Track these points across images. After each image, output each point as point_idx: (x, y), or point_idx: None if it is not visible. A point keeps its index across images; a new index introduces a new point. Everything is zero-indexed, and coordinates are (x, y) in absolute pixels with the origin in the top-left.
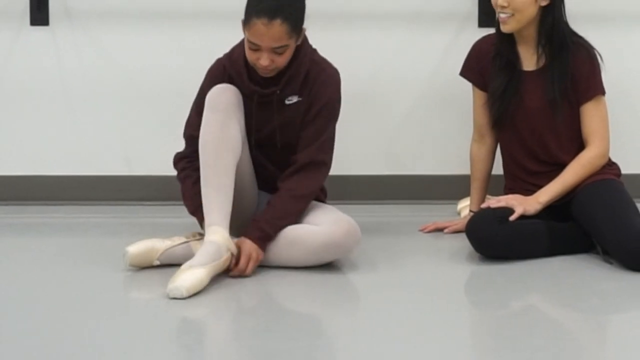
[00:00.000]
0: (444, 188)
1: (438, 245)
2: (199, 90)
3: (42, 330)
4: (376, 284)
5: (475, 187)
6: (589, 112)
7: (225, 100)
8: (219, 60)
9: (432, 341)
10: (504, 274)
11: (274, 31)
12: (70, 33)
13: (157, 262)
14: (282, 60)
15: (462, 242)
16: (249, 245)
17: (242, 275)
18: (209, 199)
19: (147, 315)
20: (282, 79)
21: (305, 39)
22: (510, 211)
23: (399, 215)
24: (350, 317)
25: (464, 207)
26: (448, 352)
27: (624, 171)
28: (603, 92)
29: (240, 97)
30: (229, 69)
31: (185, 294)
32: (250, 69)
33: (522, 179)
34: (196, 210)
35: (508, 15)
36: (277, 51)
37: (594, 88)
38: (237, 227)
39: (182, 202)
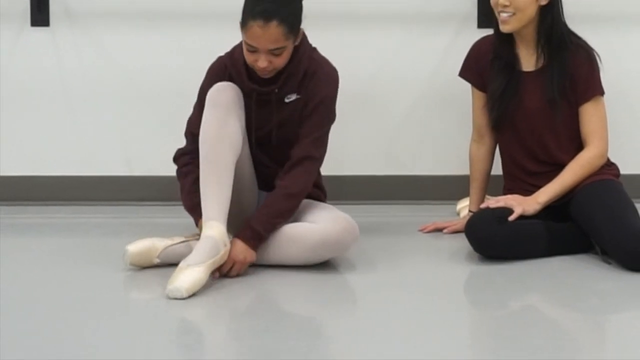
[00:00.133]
0: (443, 188)
1: (437, 245)
2: (200, 88)
3: (43, 330)
4: (376, 284)
5: (475, 187)
6: (588, 113)
7: (226, 98)
8: (220, 58)
9: (431, 341)
10: (503, 274)
11: (270, 33)
12: (70, 34)
13: (157, 261)
14: (280, 62)
15: (462, 242)
16: (238, 248)
17: (226, 276)
18: (207, 193)
19: (147, 315)
20: (280, 77)
21: (305, 38)
22: (510, 211)
23: (399, 215)
24: (350, 317)
25: (463, 207)
26: (447, 352)
27: (622, 171)
28: (602, 93)
29: (241, 95)
30: (229, 67)
31: (185, 295)
32: (249, 68)
33: (521, 179)
34: (193, 208)
35: (509, 14)
36: (274, 53)
37: (592, 88)
38: (237, 226)
39: (182, 203)
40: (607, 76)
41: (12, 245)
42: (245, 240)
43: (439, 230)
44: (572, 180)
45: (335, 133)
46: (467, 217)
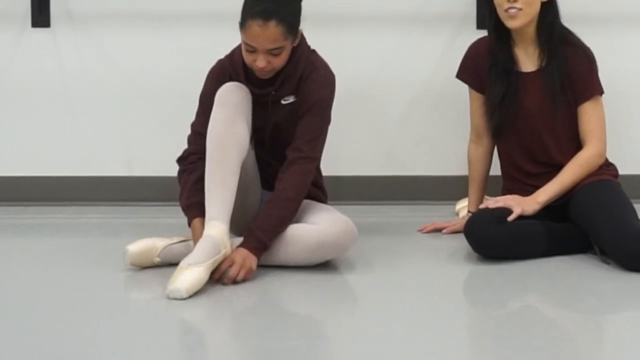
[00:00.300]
0: (442, 189)
1: (437, 245)
2: (201, 93)
3: (43, 330)
4: (375, 284)
5: (473, 187)
6: (587, 112)
7: (235, 98)
8: (220, 61)
9: (430, 341)
10: (502, 274)
11: (269, 33)
12: (71, 35)
13: (158, 260)
14: (278, 62)
15: (461, 243)
16: (244, 255)
17: (231, 280)
18: (212, 192)
19: (147, 315)
20: (277, 79)
21: (303, 40)
22: (509, 211)
23: (398, 215)
24: (349, 317)
25: (463, 207)
26: (446, 352)
27: (621, 172)
28: (601, 92)
29: (249, 96)
30: (229, 69)
31: (185, 295)
32: (247, 70)
33: (519, 180)
34: (189, 206)
35: (517, 10)
36: (273, 53)
37: (591, 88)
38: (240, 226)
39: (179, 201)
40: (605, 76)
41: (12, 246)
42: (251, 249)
43: (438, 230)
44: (570, 180)
45: (335, 133)
46: (466, 218)
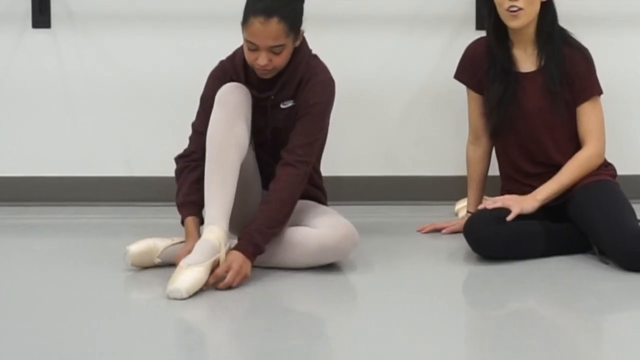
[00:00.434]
0: (441, 189)
1: (436, 245)
2: (203, 92)
3: (43, 330)
4: (375, 284)
5: (472, 188)
6: (586, 112)
7: (234, 99)
8: (221, 63)
9: (430, 341)
10: (502, 274)
11: (270, 29)
12: (71, 35)
13: (158, 260)
14: (279, 61)
15: (460, 243)
16: (240, 261)
17: (214, 278)
18: (211, 194)
19: (147, 315)
20: (277, 83)
21: (305, 44)
22: (508, 211)
23: (397, 216)
24: (349, 317)
25: (462, 207)
26: (446, 352)
27: (619, 172)
28: (599, 93)
29: (249, 97)
30: (231, 70)
31: (184, 295)
32: (248, 73)
33: (518, 180)
34: (183, 204)
35: (519, 9)
36: (274, 51)
37: (590, 88)
38: (240, 226)
39: (175, 198)
40: (604, 76)
41: (13, 246)
42: (247, 254)
43: (438, 230)
44: (569, 178)
45: (335, 134)
46: (466, 218)
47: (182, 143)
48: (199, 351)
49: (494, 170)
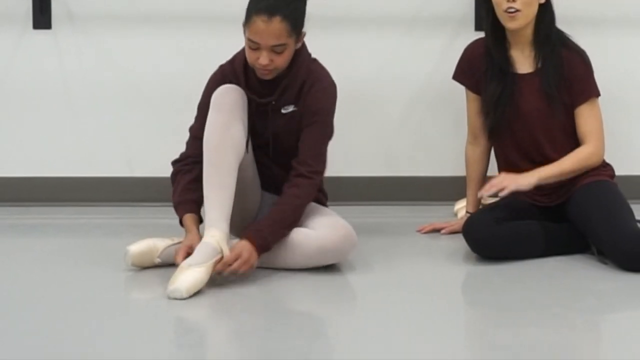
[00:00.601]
0: (440, 189)
1: (435, 245)
2: (202, 96)
3: (44, 330)
4: (374, 284)
5: (471, 188)
6: (584, 114)
7: (230, 101)
8: (221, 67)
9: (429, 341)
10: (501, 274)
11: (273, 28)
12: (72, 36)
13: (158, 260)
14: (281, 61)
15: (459, 243)
16: (250, 251)
17: (223, 266)
18: (210, 198)
19: (147, 315)
20: (278, 88)
21: (305, 48)
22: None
23: (397, 216)
24: (349, 317)
25: (461, 208)
26: (445, 351)
27: (617, 172)
28: (597, 95)
29: (245, 97)
30: (229, 76)
31: (185, 295)
32: (248, 77)
33: None
34: (180, 203)
35: (516, 10)
36: (276, 50)
37: (588, 90)
38: (239, 228)
39: (172, 199)
40: (601, 78)
41: (14, 246)
42: (256, 247)
43: (437, 230)
44: (569, 168)
45: (334, 134)
46: (465, 218)
47: (182, 143)
48: (199, 351)
49: (493, 170)
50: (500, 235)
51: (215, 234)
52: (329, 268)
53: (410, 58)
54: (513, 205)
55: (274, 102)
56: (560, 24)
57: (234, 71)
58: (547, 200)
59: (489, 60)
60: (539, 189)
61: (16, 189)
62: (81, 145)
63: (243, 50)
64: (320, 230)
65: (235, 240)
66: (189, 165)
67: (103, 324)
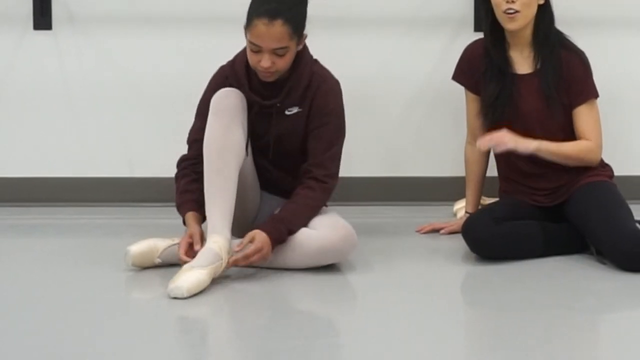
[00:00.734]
0: (440, 190)
1: (434, 245)
2: (201, 98)
3: (44, 330)
4: (374, 284)
5: (470, 188)
6: (582, 115)
7: (229, 104)
8: (221, 69)
9: (428, 340)
10: (500, 274)
11: (274, 31)
12: (72, 37)
13: (159, 260)
14: (282, 63)
15: (459, 243)
16: (264, 239)
17: (245, 259)
18: (212, 204)
19: (148, 314)
20: (282, 90)
21: (307, 50)
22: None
23: (396, 216)
24: (349, 316)
25: (460, 208)
26: (444, 351)
27: (616, 173)
28: (596, 96)
29: (244, 100)
30: (230, 77)
31: (185, 294)
32: (251, 79)
33: (516, 180)
34: (182, 204)
35: (515, 11)
36: (277, 53)
37: (586, 91)
38: (239, 229)
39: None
40: (600, 79)
41: (14, 246)
42: (273, 240)
43: (436, 231)
44: (568, 152)
45: None
46: (464, 218)
47: (182, 143)
48: (200, 351)
49: (492, 170)
50: (500, 235)
51: (218, 240)
52: (329, 268)
53: (410, 58)
54: (512, 205)
55: (278, 104)
56: (560, 24)
57: (235, 73)
58: (547, 200)
59: (488, 61)
60: (539, 189)
61: (17, 189)
62: (82, 146)
63: (243, 51)
64: (321, 230)
65: (237, 241)
66: (188, 169)
67: (103, 323)
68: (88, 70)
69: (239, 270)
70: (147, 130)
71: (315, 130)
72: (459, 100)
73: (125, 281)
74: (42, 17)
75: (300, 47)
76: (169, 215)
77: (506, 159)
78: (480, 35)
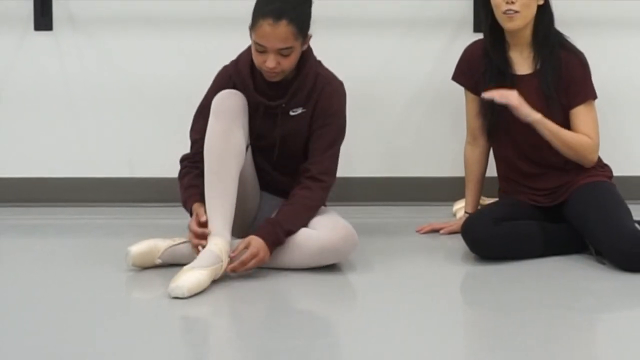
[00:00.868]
0: (439, 190)
1: (434, 245)
2: (204, 96)
3: (45, 330)
4: (374, 284)
5: (470, 189)
6: (580, 116)
7: (229, 107)
8: (225, 68)
9: (428, 340)
10: (499, 274)
11: (280, 31)
12: (73, 38)
13: (159, 261)
14: (287, 63)
15: (458, 243)
16: (260, 244)
17: (242, 266)
18: (213, 206)
19: (148, 314)
20: (287, 91)
21: (311, 51)
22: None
23: (396, 216)
24: (349, 316)
25: (460, 208)
26: (444, 351)
27: (615, 173)
28: (594, 97)
29: (245, 102)
30: (234, 77)
31: (186, 294)
32: (256, 79)
33: (515, 180)
34: (185, 202)
35: (515, 12)
36: (282, 53)
37: (584, 93)
38: (239, 229)
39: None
40: (599, 79)
41: (15, 246)
42: (269, 244)
43: (436, 231)
44: (566, 138)
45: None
46: (464, 218)
47: (182, 144)
48: (200, 350)
49: (492, 171)
50: (499, 235)
51: (219, 242)
52: (330, 268)
53: (410, 59)
54: (512, 205)
55: (284, 105)
56: (559, 25)
57: (239, 73)
58: (546, 200)
59: (487, 62)
60: (538, 189)
61: (18, 190)
62: (82, 146)
63: (246, 51)
64: (321, 230)
65: (237, 241)
66: (191, 166)
67: (104, 323)
68: (89, 70)
69: None
70: (148, 131)
71: (317, 130)
72: (458, 100)
73: (126, 281)
74: (43, 18)
75: (305, 47)
76: (170, 216)
77: (505, 159)
78: (480, 36)
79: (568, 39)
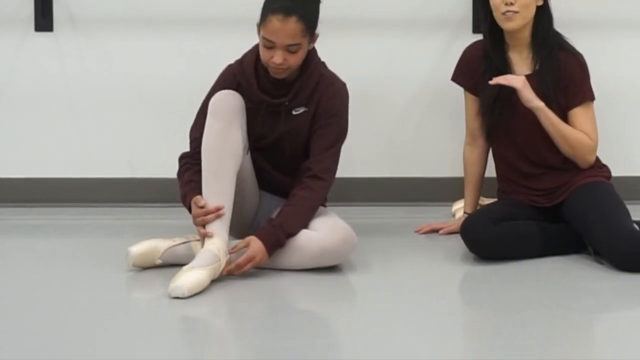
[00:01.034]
0: (438, 190)
1: (433, 246)
2: (207, 95)
3: (46, 330)
4: (373, 284)
5: (469, 189)
6: (579, 116)
7: (227, 107)
8: (229, 67)
9: (427, 340)
10: (498, 274)
11: (289, 27)
12: (73, 39)
13: (159, 261)
14: (294, 60)
15: (457, 243)
16: (258, 247)
17: (238, 269)
18: (210, 205)
19: (148, 314)
20: (291, 90)
21: (315, 52)
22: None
23: (395, 216)
24: (348, 316)
25: (459, 208)
26: (443, 351)
27: (613, 173)
28: (592, 99)
29: (242, 102)
30: (238, 76)
31: (186, 294)
32: (260, 78)
33: (514, 181)
34: (185, 196)
35: (514, 12)
36: (290, 49)
37: (582, 94)
38: (238, 230)
39: (183, 204)
40: (597, 79)
41: (16, 246)
42: (267, 246)
43: (435, 231)
44: (566, 132)
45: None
46: (463, 219)
47: (183, 144)
48: (200, 350)
49: (491, 171)
50: (498, 235)
51: (216, 241)
52: (329, 268)
53: (409, 60)
54: (511, 205)
55: (287, 103)
56: (558, 26)
57: (244, 72)
58: (545, 200)
59: (487, 62)
60: (537, 190)
61: (18, 190)
62: (83, 147)
63: (251, 51)
64: (321, 232)
65: (236, 241)
66: (190, 164)
67: (104, 323)
68: (89, 71)
69: None
70: (148, 131)
71: (319, 130)
72: (458, 101)
73: (126, 281)
74: (44, 19)
75: (312, 45)
76: (170, 216)
77: (504, 159)
78: (479, 36)
79: (567, 40)
